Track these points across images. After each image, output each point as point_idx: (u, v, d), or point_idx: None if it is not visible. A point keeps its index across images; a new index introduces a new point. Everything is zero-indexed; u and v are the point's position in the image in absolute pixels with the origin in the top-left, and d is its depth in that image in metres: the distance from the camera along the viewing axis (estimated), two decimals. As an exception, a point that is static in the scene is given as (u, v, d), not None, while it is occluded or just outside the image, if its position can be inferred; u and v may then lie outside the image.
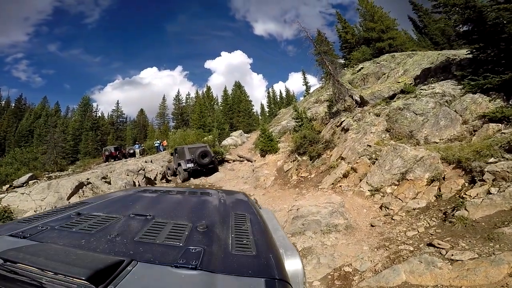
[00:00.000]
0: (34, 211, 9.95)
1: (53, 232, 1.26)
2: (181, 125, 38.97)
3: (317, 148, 10.90)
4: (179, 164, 14.80)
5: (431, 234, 5.17)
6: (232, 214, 1.69)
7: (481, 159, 6.05)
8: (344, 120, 11.25)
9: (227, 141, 23.10)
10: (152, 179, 15.46)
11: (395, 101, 10.43)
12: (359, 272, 4.74)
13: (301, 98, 41.49)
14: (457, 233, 4.75)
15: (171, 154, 17.45)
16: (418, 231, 5.46)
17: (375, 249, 5.36)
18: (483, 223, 4.73)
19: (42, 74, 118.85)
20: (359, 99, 12.21)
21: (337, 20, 27.69)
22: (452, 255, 4.09)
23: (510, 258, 3.54)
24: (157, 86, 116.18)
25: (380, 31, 21.98)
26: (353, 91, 12.77)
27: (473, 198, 5.26)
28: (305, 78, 39.35)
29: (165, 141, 27.48)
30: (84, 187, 11.73)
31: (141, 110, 53.52)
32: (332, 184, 8.91)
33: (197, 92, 47.62)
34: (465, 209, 5.06)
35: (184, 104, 49.32)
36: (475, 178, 5.78)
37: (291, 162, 12.83)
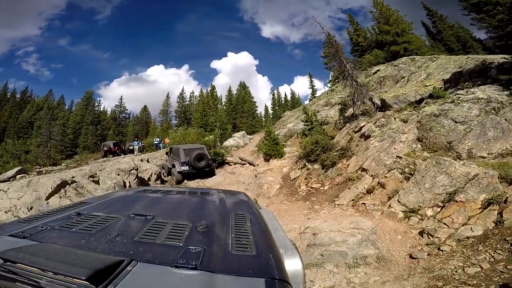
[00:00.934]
0: (6, 212, 8.41)
1: (53, 232, 1.22)
2: (184, 124, 37.36)
3: (331, 156, 9.24)
4: (173, 166, 13.48)
5: (502, 272, 3.76)
6: (232, 214, 1.63)
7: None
8: (364, 126, 9.60)
9: (229, 142, 21.48)
10: (146, 179, 13.81)
11: (425, 106, 8.77)
12: None
13: (306, 102, 40.09)
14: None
15: (166, 154, 15.96)
16: (482, 268, 4.05)
17: (426, 294, 3.78)
18: None
19: (51, 68, 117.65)
20: (379, 102, 10.58)
21: (348, 22, 26.33)
22: None
23: None
24: (163, 84, 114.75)
25: (395, 34, 20.57)
26: (373, 93, 11.12)
27: None
28: (311, 81, 38.28)
29: (167, 139, 25.90)
30: (67, 186, 10.07)
31: (145, 107, 51.97)
32: (353, 200, 7.25)
33: (201, 91, 46.10)
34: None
35: (187, 102, 47.76)
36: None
37: (299, 169, 11.17)
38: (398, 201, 6.43)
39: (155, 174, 14.29)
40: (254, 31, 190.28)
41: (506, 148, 6.51)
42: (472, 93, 8.08)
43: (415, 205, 6.06)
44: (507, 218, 4.84)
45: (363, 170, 7.97)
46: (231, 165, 16.80)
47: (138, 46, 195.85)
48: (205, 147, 14.56)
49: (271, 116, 42.18)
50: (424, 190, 6.12)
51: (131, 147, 25.87)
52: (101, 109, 46.63)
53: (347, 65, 11.61)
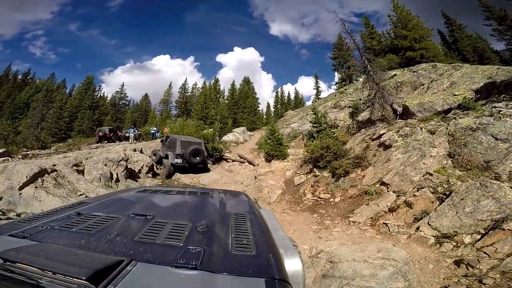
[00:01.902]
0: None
1: (53, 232, 1.20)
2: (183, 115, 35.98)
3: (344, 164, 8.03)
4: (167, 156, 12.68)
5: None
6: (232, 214, 1.59)
7: None
8: (383, 133, 8.39)
9: (228, 137, 20.23)
10: (136, 171, 12.51)
11: (457, 118, 7.58)
12: None
13: (309, 102, 38.88)
14: None
15: (161, 141, 14.92)
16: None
17: None
18: None
19: (57, 52, 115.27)
20: (400, 109, 9.38)
21: (362, 26, 25.13)
22: None
23: None
24: (167, 74, 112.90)
25: (412, 40, 19.59)
26: (395, 98, 9.90)
27: None
28: (317, 82, 36.98)
29: (166, 129, 24.58)
30: (46, 175, 8.68)
31: (146, 95, 50.39)
32: (372, 219, 6.06)
33: (204, 83, 44.51)
34: None
35: (189, 93, 46.26)
36: None
37: (304, 174, 9.96)
38: (429, 224, 5.29)
39: (146, 166, 12.97)
40: (262, 28, 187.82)
41: (561, 175, 5.36)
42: (515, 107, 6.91)
43: (450, 230, 4.97)
44: None
45: (383, 184, 6.78)
46: (229, 161, 15.58)
47: (146, 34, 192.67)
48: (203, 142, 13.70)
49: (273, 114, 40.85)
50: (463, 214, 4.97)
51: (127, 135, 24.53)
52: (102, 94, 45.36)
53: (368, 65, 10.37)
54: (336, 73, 32.03)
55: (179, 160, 12.27)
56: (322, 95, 34.75)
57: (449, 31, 26.47)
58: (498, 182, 5.11)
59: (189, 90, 46.56)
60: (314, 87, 37.05)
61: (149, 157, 13.86)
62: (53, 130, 32.96)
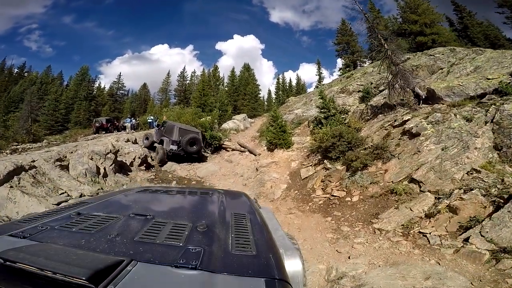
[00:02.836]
0: None
1: (53, 232, 1.16)
2: (182, 103, 34.37)
3: (362, 156, 6.63)
4: (161, 141, 12.00)
5: None
6: (232, 214, 1.53)
7: None
8: (408, 120, 6.93)
9: (228, 125, 18.82)
10: (128, 164, 11.20)
11: (495, 103, 6.09)
12: None
13: (310, 89, 37.07)
14: None
15: (157, 126, 13.97)
16: None
17: None
18: None
19: (53, 45, 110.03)
20: (423, 93, 7.88)
21: (368, 10, 23.05)
22: None
23: None
24: (166, 63, 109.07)
25: (423, 25, 18.29)
26: (418, 80, 8.35)
27: None
28: (319, 68, 35.27)
29: (164, 117, 23.25)
30: (23, 173, 7.52)
31: (144, 84, 48.18)
32: (404, 226, 4.74)
33: (203, 71, 42.47)
34: None
35: (188, 81, 44.38)
36: None
37: (312, 166, 8.59)
38: (481, 235, 3.98)
39: (139, 158, 11.63)
40: (262, 15, 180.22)
41: None
42: None
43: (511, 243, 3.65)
44: None
45: (414, 181, 5.41)
46: (228, 150, 14.24)
47: (144, 24, 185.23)
48: (200, 132, 13.01)
49: (274, 101, 39.07)
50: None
51: (125, 124, 23.32)
52: (99, 85, 43.58)
53: (385, 44, 8.76)
54: (339, 59, 30.35)
55: (174, 147, 11.63)
56: (325, 81, 33.06)
57: (458, 18, 24.86)
58: None
59: (188, 78, 44.72)
60: (317, 73, 35.46)
61: (142, 141, 13.05)
62: (50, 123, 31.72)
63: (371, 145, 7.04)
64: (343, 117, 9.86)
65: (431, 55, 13.26)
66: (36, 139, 18.75)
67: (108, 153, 10.04)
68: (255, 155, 12.24)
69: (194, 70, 50.85)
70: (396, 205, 5.11)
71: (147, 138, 12.77)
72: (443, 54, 13.03)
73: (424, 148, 5.85)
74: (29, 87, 35.85)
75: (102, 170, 9.48)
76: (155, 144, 12.25)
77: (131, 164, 11.33)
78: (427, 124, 6.38)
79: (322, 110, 10.55)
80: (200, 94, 28.86)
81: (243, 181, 9.88)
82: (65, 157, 9.42)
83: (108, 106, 38.51)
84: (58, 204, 6.73)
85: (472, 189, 4.41)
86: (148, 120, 23.83)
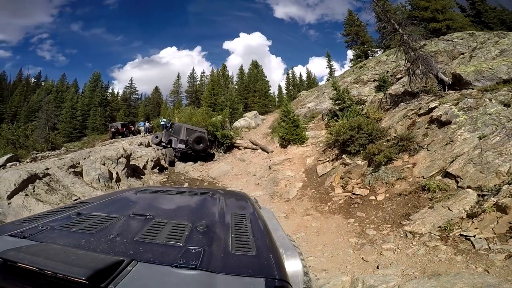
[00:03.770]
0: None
1: (53, 232, 1.15)
2: (194, 104, 34.28)
3: (385, 148, 5.90)
4: (170, 141, 12.65)
5: None
6: (232, 214, 1.50)
7: None
8: (435, 107, 6.12)
9: (239, 123, 18.35)
10: (141, 167, 10.99)
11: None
12: None
13: (320, 83, 35.85)
14: None
15: (165, 127, 14.35)
16: None
17: None
18: None
19: (66, 54, 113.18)
20: (447, 78, 6.99)
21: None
22: None
23: None
24: (176, 66, 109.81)
25: (434, 11, 17.05)
26: (441, 66, 7.46)
27: None
28: (329, 61, 33.87)
29: (177, 119, 23.31)
30: (37, 181, 7.51)
31: (156, 88, 48.55)
32: (441, 228, 4.03)
33: (212, 70, 42.12)
34: None
35: (198, 82, 44.31)
36: None
37: (329, 162, 7.92)
38: (540, 240, 3.21)
39: (151, 161, 11.38)
40: (266, 12, 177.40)
41: None
42: None
43: None
44: None
45: (449, 176, 4.65)
46: (240, 149, 13.79)
47: (151, 28, 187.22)
48: (206, 132, 13.33)
49: (285, 97, 38.16)
50: None
51: (139, 128, 23.52)
52: (113, 91, 44.15)
53: (399, 29, 7.88)
54: (350, 51, 29.15)
55: (182, 146, 12.05)
56: (336, 74, 31.82)
57: (469, 4, 23.43)
58: None
59: (197, 79, 44.56)
60: (327, 66, 34.12)
61: (152, 140, 13.77)
62: (68, 130, 32.22)
63: (395, 136, 6.27)
64: (360, 108, 9.07)
65: (448, 40, 12.33)
66: (54, 147, 19.06)
67: (119, 157, 9.83)
68: (268, 153, 11.69)
69: (203, 70, 50.40)
70: (430, 204, 4.39)
71: (156, 137, 13.65)
72: (461, 39, 12.15)
73: (458, 138, 5.06)
74: (45, 96, 37.12)
75: (114, 175, 9.29)
76: (163, 144, 12.99)
77: (144, 167, 11.10)
78: (458, 111, 5.55)
79: (336, 102, 9.78)
80: (210, 94, 28.54)
81: (256, 180, 9.35)
82: (79, 163, 9.30)
83: (123, 111, 38.92)
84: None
85: (526, 184, 3.64)
86: (161, 123, 23.86)
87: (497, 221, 3.74)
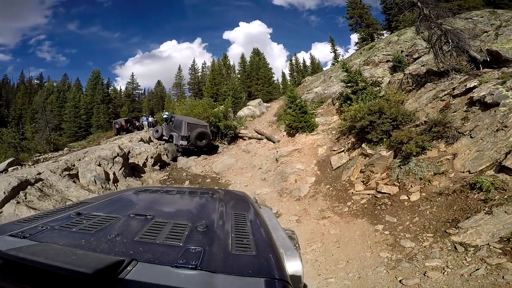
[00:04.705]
0: None
1: (53, 232, 1.13)
2: (198, 95, 33.24)
3: (416, 136, 4.82)
4: (171, 136, 11.98)
5: None
6: (232, 214, 1.47)
7: None
8: (475, 87, 4.97)
9: (243, 112, 17.32)
10: (141, 165, 10.20)
11: None
12: None
13: (324, 68, 34.15)
14: None
15: (166, 120, 13.47)
16: None
17: None
18: None
19: (66, 54, 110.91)
20: (479, 56, 5.78)
21: None
22: None
23: None
24: (177, 59, 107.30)
25: None
26: (473, 42, 6.23)
27: None
28: (333, 46, 32.24)
29: (179, 112, 22.54)
30: (29, 187, 7.09)
31: (158, 82, 47.74)
32: (502, 239, 3.04)
33: (213, 60, 40.62)
34: None
35: (200, 73, 43.00)
36: None
37: (345, 152, 6.89)
38: None
39: (152, 157, 10.54)
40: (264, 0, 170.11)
41: None
42: None
43: None
44: None
45: (505, 170, 3.60)
46: (245, 139, 12.82)
47: (147, 22, 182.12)
48: (208, 125, 12.58)
49: (289, 83, 36.56)
50: None
51: (143, 123, 22.88)
52: (114, 87, 43.82)
53: (418, 3, 6.61)
54: (354, 34, 27.78)
55: (184, 142, 11.31)
56: (340, 58, 30.18)
57: None
58: None
59: (199, 70, 43.26)
60: (331, 51, 32.50)
61: (153, 134, 13.17)
62: (73, 129, 31.78)
63: (425, 121, 5.17)
64: (376, 90, 7.88)
65: (467, 18, 11.14)
66: (57, 148, 18.45)
67: (115, 157, 9.01)
68: (274, 142, 10.68)
69: (204, 61, 49.27)
70: (486, 208, 3.37)
71: (157, 131, 12.97)
72: (482, 17, 11.13)
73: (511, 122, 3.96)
74: (45, 97, 36.51)
75: (111, 176, 8.57)
76: (164, 138, 12.34)
77: (144, 165, 10.28)
78: (507, 91, 4.40)
79: (348, 85, 8.60)
80: (211, 84, 27.41)
81: (262, 174, 8.41)
82: (74, 165, 8.59)
83: (127, 107, 38.23)
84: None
85: None
86: (164, 116, 23.09)
87: None
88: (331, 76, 15.89)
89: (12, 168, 12.18)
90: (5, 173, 10.86)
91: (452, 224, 3.59)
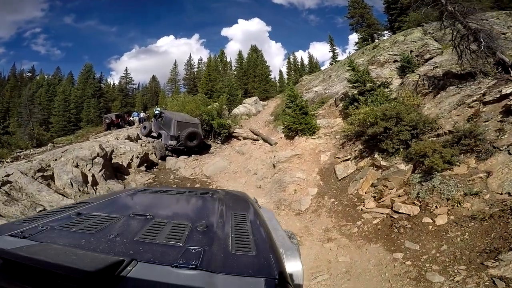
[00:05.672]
0: None
1: (53, 232, 1.13)
2: (193, 91, 32.24)
3: (441, 148, 4.12)
4: (159, 134, 11.27)
5: None
6: (232, 214, 1.45)
7: None
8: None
9: (238, 110, 16.52)
10: (125, 166, 9.33)
11: None
12: None
13: (322, 68, 33.55)
14: None
15: (154, 116, 12.53)
16: None
17: None
18: None
19: (61, 47, 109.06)
20: (508, 59, 5.14)
21: None
22: None
23: None
24: (174, 54, 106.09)
25: None
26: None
27: None
28: (332, 45, 31.56)
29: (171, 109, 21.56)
30: None
31: (153, 77, 46.72)
32: None
33: (209, 56, 39.63)
34: None
35: (196, 69, 41.85)
36: None
37: (352, 160, 6.18)
38: None
39: (137, 157, 9.66)
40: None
41: None
42: None
43: None
44: None
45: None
46: (240, 139, 12.02)
47: (145, 17, 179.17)
48: (200, 124, 11.82)
49: (286, 82, 35.86)
50: None
51: (133, 118, 21.84)
52: (107, 81, 42.29)
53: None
54: (354, 34, 27.45)
55: (173, 142, 10.57)
56: (339, 58, 29.69)
57: None
58: None
59: (195, 66, 42.13)
60: (330, 50, 31.80)
61: (140, 131, 12.42)
62: (62, 124, 30.46)
63: (449, 130, 4.49)
64: (388, 91, 7.18)
65: (482, 19, 10.63)
66: (40, 143, 17.27)
67: (95, 157, 8.13)
68: (271, 145, 9.91)
69: (201, 57, 48.30)
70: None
71: (145, 127, 12.27)
72: (498, 19, 10.53)
73: None
74: (37, 89, 34.88)
75: (90, 178, 7.75)
76: (153, 134, 11.73)
77: (129, 165, 9.40)
78: None
79: (355, 85, 7.89)
80: (206, 80, 26.45)
81: (257, 181, 7.64)
82: (49, 166, 7.69)
83: (119, 102, 36.84)
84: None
85: None
86: (155, 112, 22.12)
87: None
88: (331, 76, 15.22)
89: (-10, 165, 11.12)
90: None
91: (489, 255, 2.90)
